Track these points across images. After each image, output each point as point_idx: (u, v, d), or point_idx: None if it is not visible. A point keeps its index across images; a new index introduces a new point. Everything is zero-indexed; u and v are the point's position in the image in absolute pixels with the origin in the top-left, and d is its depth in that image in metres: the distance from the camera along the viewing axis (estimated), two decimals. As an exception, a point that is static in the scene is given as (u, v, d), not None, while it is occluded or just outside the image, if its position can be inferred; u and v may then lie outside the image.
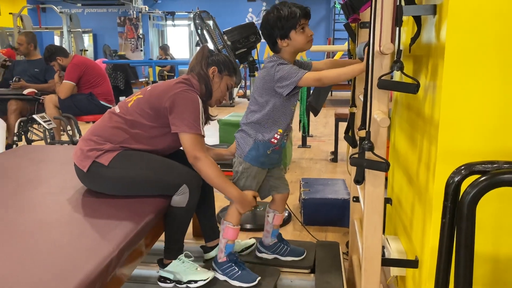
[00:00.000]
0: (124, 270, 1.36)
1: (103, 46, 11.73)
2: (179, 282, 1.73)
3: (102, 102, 4.04)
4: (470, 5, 1.16)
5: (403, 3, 1.33)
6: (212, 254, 2.00)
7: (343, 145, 4.21)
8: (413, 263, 1.48)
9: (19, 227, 1.44)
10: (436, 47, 1.29)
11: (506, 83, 1.18)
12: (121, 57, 8.89)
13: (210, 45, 2.54)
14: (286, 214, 2.80)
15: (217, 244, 2.01)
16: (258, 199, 1.87)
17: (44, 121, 3.64)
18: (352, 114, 1.88)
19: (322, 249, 2.04)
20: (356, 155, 1.35)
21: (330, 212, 2.69)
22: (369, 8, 1.34)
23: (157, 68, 9.38)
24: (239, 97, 9.48)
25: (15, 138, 4.00)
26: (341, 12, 1.75)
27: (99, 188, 1.75)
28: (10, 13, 9.43)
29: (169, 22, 11.37)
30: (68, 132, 3.89)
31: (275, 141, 1.74)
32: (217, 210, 2.84)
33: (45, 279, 1.12)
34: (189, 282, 1.72)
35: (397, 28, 1.25)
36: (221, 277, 1.77)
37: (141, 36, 11.79)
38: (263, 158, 1.76)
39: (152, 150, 1.77)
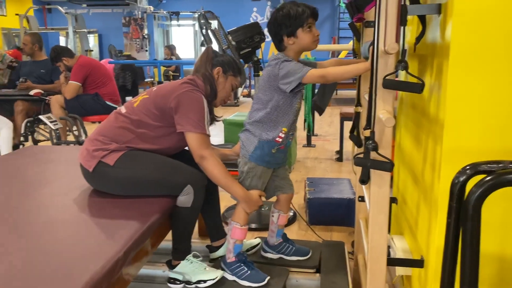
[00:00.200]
0: (130, 270, 1.36)
1: (108, 46, 11.77)
2: (188, 282, 1.73)
3: (107, 103, 4.06)
4: (475, 4, 1.15)
5: (407, 2, 1.33)
6: (218, 253, 2.01)
7: (349, 144, 4.21)
8: (418, 263, 1.47)
9: (26, 227, 1.45)
10: (441, 46, 1.29)
11: (511, 82, 1.17)
12: (128, 57, 8.90)
13: (215, 45, 2.54)
14: (291, 214, 2.80)
15: (223, 244, 2.02)
16: (263, 198, 1.87)
17: (50, 122, 3.67)
18: (358, 114, 1.88)
19: (327, 249, 2.04)
20: (360, 155, 1.35)
21: (335, 212, 2.68)
22: (374, 7, 1.33)
23: (162, 68, 9.42)
24: (243, 96, 9.48)
25: (21, 139, 4.03)
26: (346, 10, 1.75)
27: (104, 188, 1.76)
28: (17, 14, 9.49)
29: (174, 22, 11.40)
30: (74, 132, 3.91)
31: (280, 140, 1.74)
32: (222, 210, 2.85)
33: (51, 279, 1.13)
34: (198, 282, 1.72)
35: (402, 28, 1.25)
36: (230, 277, 1.77)
37: (146, 36, 11.83)
38: (268, 157, 1.76)
39: (157, 150, 1.78)
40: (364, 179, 1.39)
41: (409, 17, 1.63)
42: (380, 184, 1.38)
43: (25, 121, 4.03)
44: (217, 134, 4.65)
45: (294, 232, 2.64)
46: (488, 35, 1.17)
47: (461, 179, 0.96)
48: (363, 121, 1.74)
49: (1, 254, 1.26)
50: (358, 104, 1.87)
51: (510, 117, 1.19)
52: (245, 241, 2.04)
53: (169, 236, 1.94)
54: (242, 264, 1.77)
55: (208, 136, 1.75)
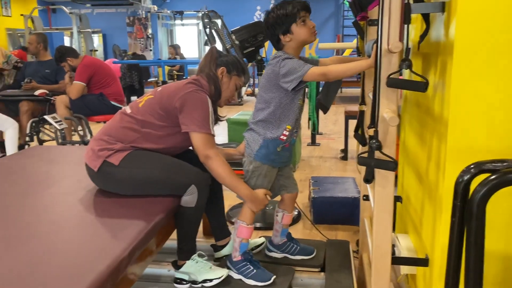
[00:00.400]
0: (135, 269, 1.37)
1: (112, 46, 11.81)
2: (194, 282, 1.74)
3: (112, 102, 4.07)
4: (479, 2, 1.15)
5: (411, 0, 1.32)
6: (222, 252, 2.01)
7: (353, 143, 4.20)
8: (423, 262, 1.47)
9: (32, 227, 1.46)
10: (445, 44, 1.28)
11: (516, 80, 1.17)
12: (135, 55, 8.88)
13: (219, 45, 2.54)
14: (296, 213, 2.80)
15: (227, 243, 2.03)
16: (269, 197, 1.87)
17: (55, 122, 3.68)
18: (362, 112, 1.88)
19: (332, 248, 2.04)
20: (364, 154, 1.35)
21: (340, 211, 2.68)
22: (377, 6, 1.33)
23: (167, 68, 9.43)
24: (247, 95, 9.49)
25: (27, 139, 4.05)
26: (350, 9, 1.75)
27: (109, 187, 1.77)
28: (21, 15, 9.55)
29: (177, 22, 11.42)
30: (79, 132, 3.92)
31: (284, 138, 1.74)
32: (226, 209, 2.86)
33: (57, 279, 1.14)
34: (204, 281, 1.73)
35: (406, 26, 1.25)
36: (236, 276, 1.78)
37: (150, 36, 11.85)
38: (273, 155, 1.76)
39: (162, 150, 1.79)
40: (369, 178, 1.39)
41: (413, 16, 1.63)
42: (384, 184, 1.38)
43: (30, 121, 4.05)
44: (221, 133, 4.66)
45: (299, 231, 2.64)
46: (492, 33, 1.16)
47: (465, 178, 0.96)
48: (367, 120, 1.74)
49: (6, 253, 1.27)
50: (363, 102, 1.87)
51: (514, 116, 1.19)
52: (250, 240, 2.05)
53: (174, 235, 1.94)
54: (248, 263, 1.77)
55: (213, 136, 1.76)
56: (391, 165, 1.31)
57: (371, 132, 1.37)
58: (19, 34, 10.62)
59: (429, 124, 1.48)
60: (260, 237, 2.15)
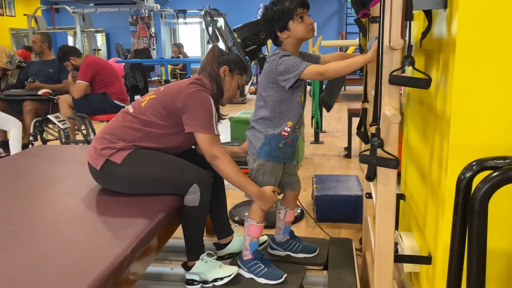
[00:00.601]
0: (137, 268, 1.37)
1: (116, 45, 11.83)
2: (205, 282, 1.73)
3: (115, 102, 4.08)
4: (481, -2, 1.14)
5: (413, -3, 1.31)
6: (225, 251, 2.01)
7: (357, 140, 4.18)
8: (426, 260, 1.46)
9: (34, 226, 1.46)
10: (447, 41, 1.27)
11: (519, 76, 1.16)
12: (138, 52, 8.85)
13: (221, 43, 2.54)
14: (299, 211, 2.79)
15: (230, 241, 2.03)
16: (278, 196, 1.85)
17: (59, 121, 3.69)
18: (365, 110, 1.87)
19: (335, 246, 2.03)
20: (366, 152, 1.34)
21: (343, 209, 2.68)
22: (379, 2, 1.32)
23: (170, 67, 9.43)
24: (250, 93, 9.48)
25: (31, 138, 4.06)
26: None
27: (112, 186, 1.77)
28: (25, 15, 9.59)
29: (180, 20, 11.42)
30: (83, 131, 3.93)
31: (286, 134, 1.73)
32: (229, 207, 2.86)
33: (59, 277, 1.14)
34: (215, 280, 1.72)
35: (407, 23, 1.24)
36: (247, 275, 1.77)
37: (153, 34, 11.87)
38: (276, 152, 1.75)
39: (164, 149, 1.79)
40: (371, 176, 1.38)
41: (415, 12, 1.62)
42: (387, 181, 1.37)
43: (34, 120, 4.06)
44: (223, 132, 4.65)
45: (302, 229, 2.64)
46: (495, 30, 1.15)
47: (467, 175, 0.95)
48: (370, 117, 1.73)
49: (8, 251, 1.28)
50: (365, 100, 1.86)
51: (517, 112, 1.18)
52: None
53: (177, 233, 1.95)
54: (259, 262, 1.76)
55: (218, 135, 1.76)
56: (393, 163, 1.30)
57: (373, 129, 1.37)
58: (22, 34, 10.68)
59: (432, 121, 1.47)
60: (262, 235, 2.14)
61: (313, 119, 4.67)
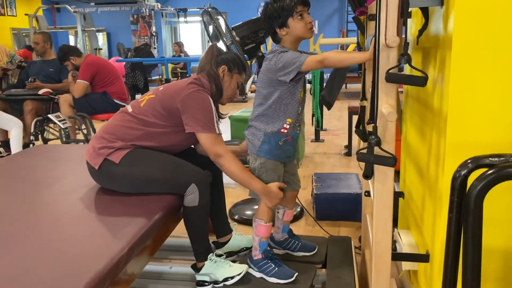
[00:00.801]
0: (134, 267, 1.38)
1: (117, 44, 11.85)
2: (216, 282, 1.72)
3: (116, 101, 4.08)
4: (477, -5, 1.13)
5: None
6: (224, 249, 2.01)
7: (357, 138, 4.18)
8: (424, 258, 1.46)
9: (32, 225, 1.47)
10: (444, 38, 1.27)
11: (515, 74, 1.15)
12: (138, 51, 8.84)
13: (220, 42, 2.54)
14: (298, 209, 2.79)
15: (229, 240, 2.03)
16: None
17: (59, 121, 3.70)
18: (363, 108, 1.86)
19: (334, 244, 2.03)
20: (364, 150, 1.34)
21: (342, 207, 2.67)
22: (375, 0, 1.32)
23: (171, 65, 9.42)
24: (251, 92, 9.47)
25: (31, 138, 4.07)
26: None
27: (110, 185, 1.77)
28: (26, 14, 9.60)
29: (181, 19, 11.41)
30: (83, 131, 3.94)
31: (285, 131, 1.72)
32: (229, 206, 2.87)
33: (56, 276, 1.14)
34: (226, 279, 1.71)
35: (404, 20, 1.24)
36: (258, 274, 1.75)
37: (154, 33, 11.87)
38: (276, 150, 1.74)
39: (163, 148, 1.79)
40: (368, 175, 1.38)
41: (413, 9, 1.62)
42: (384, 180, 1.37)
43: (35, 120, 4.07)
44: (224, 131, 4.66)
45: (302, 228, 2.64)
46: (491, 27, 1.15)
47: (463, 173, 0.95)
48: (368, 115, 1.73)
49: (5, 251, 1.28)
50: (363, 98, 1.85)
51: (514, 110, 1.17)
52: (250, 237, 2.04)
53: (176, 232, 1.95)
54: (269, 261, 1.75)
55: (220, 134, 1.75)
56: (390, 161, 1.30)
57: (370, 127, 1.36)
58: (24, 34, 10.69)
59: (429, 118, 1.47)
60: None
61: (314, 117, 4.66)
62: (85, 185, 1.84)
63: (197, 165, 1.79)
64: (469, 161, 0.95)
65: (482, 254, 0.92)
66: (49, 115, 3.77)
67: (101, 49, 11.07)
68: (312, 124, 4.76)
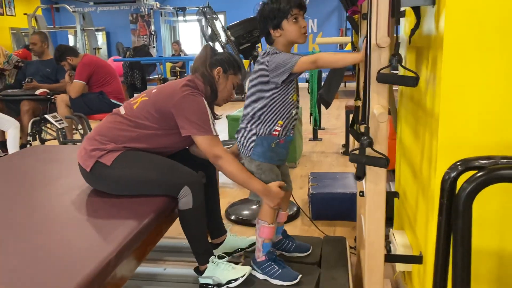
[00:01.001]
0: (125, 270, 1.36)
1: (116, 43, 11.83)
2: (219, 284, 1.71)
3: (113, 101, 4.07)
4: (468, -6, 1.12)
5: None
6: (218, 251, 2.00)
7: (355, 137, 4.17)
8: (417, 259, 1.45)
9: (21, 228, 1.46)
10: (436, 38, 1.26)
11: (506, 74, 1.14)
12: (137, 50, 8.83)
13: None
14: (295, 209, 2.78)
15: (223, 241, 2.02)
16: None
17: (56, 121, 3.69)
18: (357, 107, 1.85)
19: (328, 245, 2.02)
20: (356, 151, 1.33)
21: (338, 207, 2.66)
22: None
23: (170, 64, 9.41)
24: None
25: (29, 138, 4.06)
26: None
27: (102, 187, 1.76)
28: (25, 14, 9.59)
29: (180, 18, 11.39)
30: (80, 131, 3.93)
31: (277, 133, 1.71)
32: (226, 206, 2.86)
33: (44, 280, 1.13)
34: (229, 282, 1.69)
35: (396, 20, 1.22)
36: (261, 276, 1.74)
37: (153, 32, 11.85)
38: (269, 152, 1.73)
39: (156, 149, 1.78)
40: (360, 175, 1.37)
41: (407, 9, 1.60)
42: (376, 180, 1.36)
43: (32, 120, 4.06)
44: (221, 130, 4.65)
45: (298, 228, 2.63)
46: (483, 26, 1.13)
47: (452, 175, 0.94)
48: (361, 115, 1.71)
49: (-5, 255, 1.27)
50: (358, 97, 1.84)
51: (505, 111, 1.16)
52: (244, 238, 2.04)
53: (171, 233, 1.94)
54: (272, 263, 1.73)
55: (216, 136, 1.74)
56: (382, 161, 1.29)
57: (362, 128, 1.35)
58: (23, 34, 10.67)
59: (422, 118, 1.46)
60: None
61: (311, 116, 4.65)
62: (78, 187, 1.83)
63: (191, 166, 1.78)
64: (458, 163, 0.94)
65: (475, 256, 0.91)
66: (46, 116, 3.76)
67: (101, 48, 11.05)
68: (310, 123, 4.74)
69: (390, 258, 1.53)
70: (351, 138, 4.35)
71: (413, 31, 1.38)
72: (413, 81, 1.21)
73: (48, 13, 11.02)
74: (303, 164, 4.05)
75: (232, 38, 2.46)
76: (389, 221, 2.22)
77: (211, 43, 2.77)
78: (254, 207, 2.76)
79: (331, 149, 4.61)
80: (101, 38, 12.30)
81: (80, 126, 3.96)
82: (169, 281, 1.92)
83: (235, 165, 1.69)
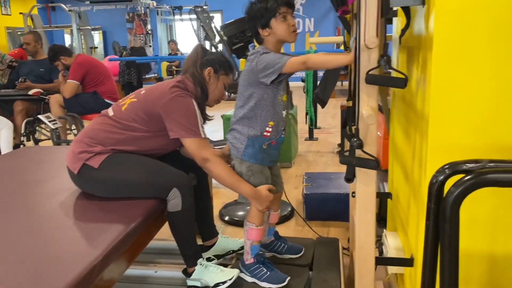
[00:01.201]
0: (113, 273, 1.35)
1: (112, 42, 11.79)
2: (207, 287, 1.70)
3: (106, 100, 4.05)
4: (458, -7, 1.10)
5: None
6: (209, 253, 1.98)
7: (350, 137, 4.15)
8: (408, 262, 1.44)
9: (8, 229, 1.44)
10: (425, 38, 1.24)
11: (496, 75, 1.12)
12: (133, 50, 8.80)
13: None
14: (289, 209, 2.77)
15: (214, 243, 2.00)
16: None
17: (49, 121, 3.67)
18: (349, 108, 1.83)
19: (321, 246, 2.00)
20: (346, 153, 1.31)
21: (332, 207, 2.65)
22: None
23: (166, 64, 9.38)
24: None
25: (22, 139, 4.04)
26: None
27: (90, 190, 1.74)
28: (21, 13, 9.54)
29: (177, 17, 11.34)
30: (73, 131, 3.91)
31: (268, 134, 1.69)
32: (219, 207, 2.84)
33: (28, 284, 1.12)
34: (217, 285, 1.68)
35: (386, 20, 1.21)
36: (249, 279, 1.73)
37: (149, 31, 11.81)
38: (260, 153, 1.71)
39: (145, 151, 1.76)
40: (349, 178, 1.36)
41: (398, 9, 1.58)
42: (367, 183, 1.34)
43: (25, 121, 4.03)
44: (216, 130, 4.63)
45: (291, 228, 2.61)
46: (472, 26, 1.12)
47: (440, 179, 0.92)
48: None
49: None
50: (350, 98, 1.82)
51: (496, 113, 1.14)
52: (236, 240, 2.02)
53: (161, 235, 1.92)
54: (261, 265, 1.72)
55: (205, 138, 1.72)
56: (372, 163, 1.28)
57: (352, 130, 1.33)
58: (19, 33, 10.62)
59: (413, 120, 1.44)
60: None
61: (307, 116, 4.63)
62: (67, 189, 1.81)
63: (181, 167, 1.76)
64: (446, 166, 0.92)
65: (467, 259, 0.90)
66: (39, 116, 3.74)
67: (97, 47, 11.02)
68: (306, 122, 4.73)
69: (381, 261, 1.52)
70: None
71: (403, 31, 1.36)
72: (401, 82, 1.20)
73: (44, 12, 10.99)
74: (298, 163, 4.04)
75: (225, 38, 2.44)
76: (382, 222, 2.21)
77: (207, 42, 2.75)
78: (248, 208, 2.73)
79: (326, 148, 4.59)
80: (97, 37, 12.26)
81: (74, 127, 3.93)
82: (160, 283, 1.90)
83: (223, 168, 1.67)
